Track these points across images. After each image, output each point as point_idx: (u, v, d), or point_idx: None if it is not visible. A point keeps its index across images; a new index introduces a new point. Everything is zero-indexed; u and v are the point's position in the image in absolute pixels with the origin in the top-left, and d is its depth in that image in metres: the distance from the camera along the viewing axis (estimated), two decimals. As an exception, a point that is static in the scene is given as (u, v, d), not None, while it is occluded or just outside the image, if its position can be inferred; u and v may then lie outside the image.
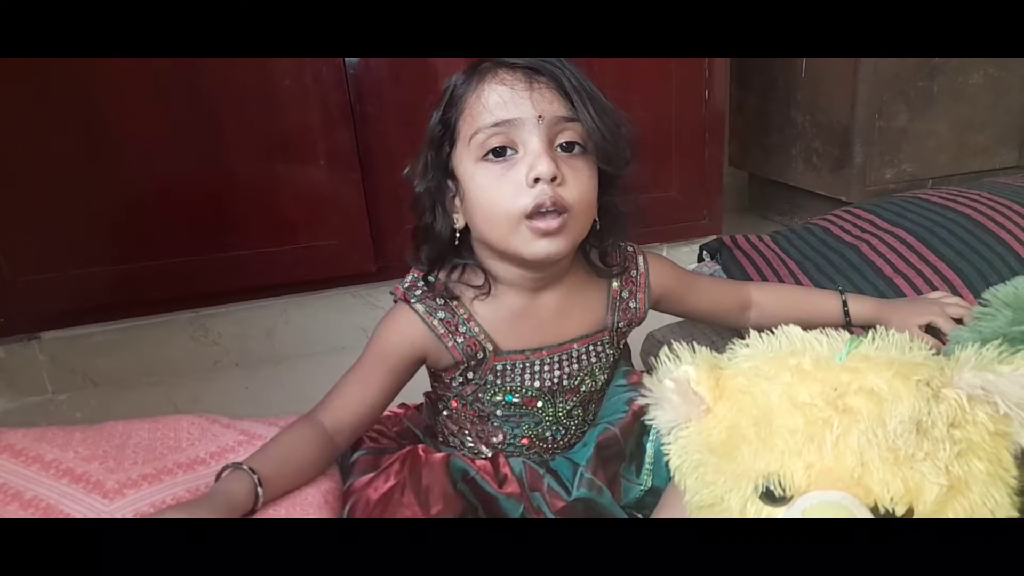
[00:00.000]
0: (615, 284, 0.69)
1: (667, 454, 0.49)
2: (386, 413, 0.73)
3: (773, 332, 0.49)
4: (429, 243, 0.65)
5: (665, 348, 0.48)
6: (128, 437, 0.66)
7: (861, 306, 0.77)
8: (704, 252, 1.01)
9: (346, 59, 1.20)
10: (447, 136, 0.62)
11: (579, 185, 0.59)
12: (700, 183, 1.54)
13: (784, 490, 0.43)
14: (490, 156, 0.59)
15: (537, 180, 0.57)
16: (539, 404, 0.68)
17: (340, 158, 1.25)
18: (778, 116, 1.79)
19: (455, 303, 0.65)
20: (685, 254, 1.56)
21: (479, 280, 0.65)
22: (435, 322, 0.64)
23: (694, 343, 0.49)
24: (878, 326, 0.49)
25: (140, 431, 0.67)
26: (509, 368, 0.66)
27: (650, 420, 0.49)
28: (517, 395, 0.67)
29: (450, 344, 0.64)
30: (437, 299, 0.65)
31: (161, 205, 1.19)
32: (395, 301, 0.67)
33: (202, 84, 1.16)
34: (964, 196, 0.94)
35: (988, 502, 0.42)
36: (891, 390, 0.43)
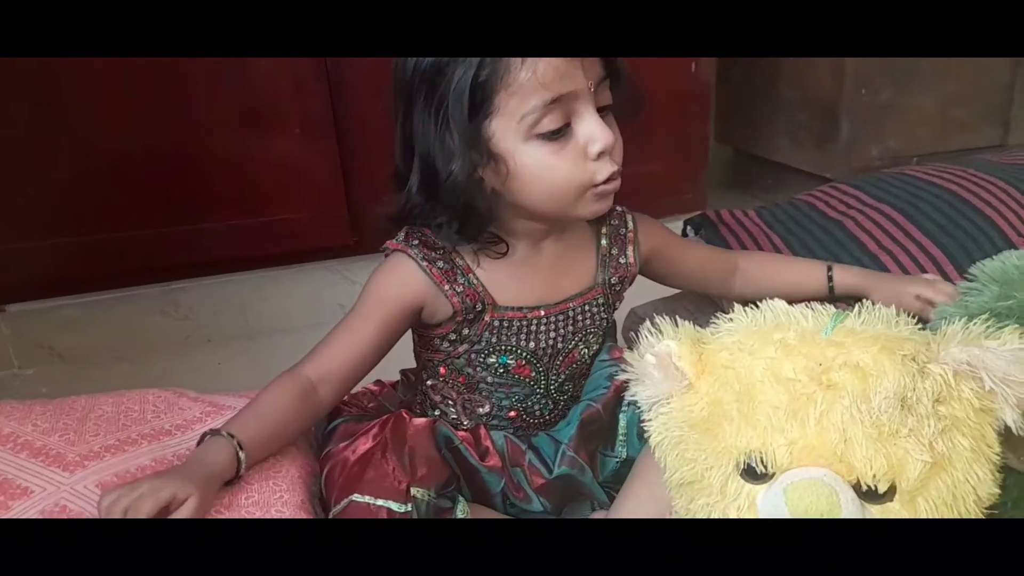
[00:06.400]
0: (604, 242, 0.69)
1: (647, 430, 0.48)
2: (360, 389, 0.71)
3: (758, 305, 0.48)
4: (466, 222, 0.59)
5: (647, 323, 0.47)
6: (90, 411, 0.64)
7: (846, 275, 0.77)
8: (688, 227, 1.00)
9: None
10: (484, 105, 0.55)
11: (620, 142, 0.60)
12: (685, 158, 1.53)
13: (766, 467, 0.42)
14: (547, 135, 0.56)
15: (601, 154, 0.57)
16: (531, 373, 0.66)
17: (315, 125, 1.21)
18: (764, 91, 1.78)
19: (454, 254, 0.63)
20: (668, 230, 1.55)
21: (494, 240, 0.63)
22: (434, 270, 0.61)
23: (676, 318, 0.48)
24: (864, 300, 0.48)
25: (103, 405, 0.65)
26: (506, 325, 0.64)
27: (631, 396, 0.48)
28: (511, 356, 0.65)
29: (448, 292, 0.62)
30: (436, 250, 0.62)
31: (129, 175, 1.15)
32: (386, 256, 0.64)
33: (170, 47, 1.11)
34: (950, 172, 0.93)
35: (971, 479, 0.42)
36: (876, 365, 0.42)
